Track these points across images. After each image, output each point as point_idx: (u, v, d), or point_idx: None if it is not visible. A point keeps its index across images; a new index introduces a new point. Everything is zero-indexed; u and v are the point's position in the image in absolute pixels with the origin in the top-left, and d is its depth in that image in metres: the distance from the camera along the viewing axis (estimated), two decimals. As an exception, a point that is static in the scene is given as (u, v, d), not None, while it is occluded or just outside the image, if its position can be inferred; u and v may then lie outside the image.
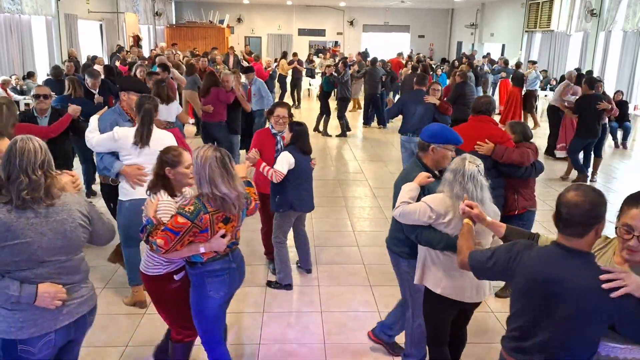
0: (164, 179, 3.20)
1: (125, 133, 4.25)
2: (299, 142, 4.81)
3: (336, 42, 28.98)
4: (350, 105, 16.19)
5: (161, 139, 4.29)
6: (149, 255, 3.23)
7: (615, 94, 12.51)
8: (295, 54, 18.86)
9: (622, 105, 12.23)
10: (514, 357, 2.43)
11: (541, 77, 15.40)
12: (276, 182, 4.69)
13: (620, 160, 11.20)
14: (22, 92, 11.92)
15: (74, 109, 5.55)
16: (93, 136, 4.40)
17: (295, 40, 29.29)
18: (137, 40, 20.01)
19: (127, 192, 4.32)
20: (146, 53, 18.74)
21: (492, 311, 4.80)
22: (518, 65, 14.57)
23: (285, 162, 4.70)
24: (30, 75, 12.75)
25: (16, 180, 2.43)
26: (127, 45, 19.37)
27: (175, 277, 3.27)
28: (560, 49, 18.54)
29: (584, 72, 12.95)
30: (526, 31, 20.94)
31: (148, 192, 3.20)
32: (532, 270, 2.30)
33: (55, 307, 2.58)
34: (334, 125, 13.08)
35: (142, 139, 4.21)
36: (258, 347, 4.16)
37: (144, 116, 4.20)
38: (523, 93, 14.12)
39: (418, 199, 3.31)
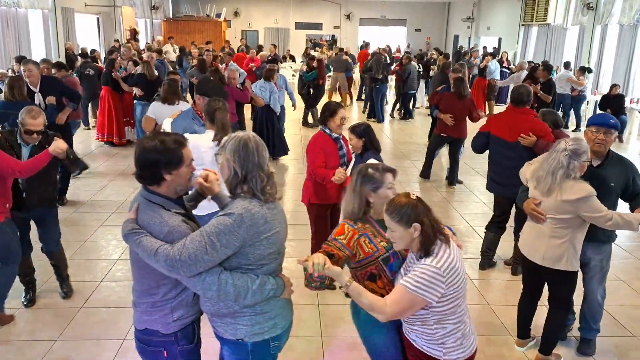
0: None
1: (195, 141, 3.88)
2: (374, 142, 4.45)
3: (333, 36, 28.95)
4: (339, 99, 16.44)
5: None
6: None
7: (612, 87, 12.56)
8: (273, 46, 18.40)
9: (619, 98, 12.29)
10: None
11: (499, 67, 15.93)
12: None
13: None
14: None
15: (55, 148, 4.04)
16: None
17: (292, 34, 29.21)
18: (134, 34, 19.94)
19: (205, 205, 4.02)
20: (143, 47, 18.68)
21: (489, 304, 4.85)
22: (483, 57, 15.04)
23: None
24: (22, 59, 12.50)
25: (254, 177, 2.45)
26: (124, 39, 19.29)
27: None
28: (557, 43, 18.55)
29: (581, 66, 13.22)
30: (523, 25, 20.94)
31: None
32: None
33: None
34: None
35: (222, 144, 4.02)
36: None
37: (219, 120, 4.03)
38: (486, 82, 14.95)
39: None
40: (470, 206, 7.48)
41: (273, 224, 2.48)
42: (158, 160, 2.41)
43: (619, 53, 15.15)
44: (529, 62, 16.32)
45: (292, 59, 22.20)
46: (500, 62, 17.20)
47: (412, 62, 14.45)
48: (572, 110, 13.70)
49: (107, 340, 4.17)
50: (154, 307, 2.56)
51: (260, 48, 17.22)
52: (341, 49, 17.65)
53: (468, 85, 8.31)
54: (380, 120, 13.91)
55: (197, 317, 2.68)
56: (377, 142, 4.48)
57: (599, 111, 12.92)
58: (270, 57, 12.43)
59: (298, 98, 12.64)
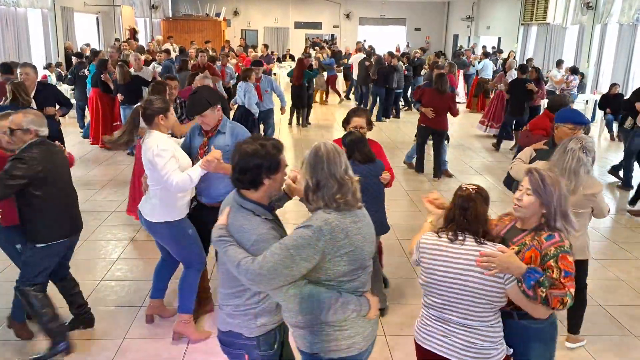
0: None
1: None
2: (354, 153, 4.20)
3: (332, 35, 28.94)
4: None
5: (148, 148, 3.71)
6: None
7: (611, 87, 12.54)
8: (265, 46, 18.14)
9: (618, 98, 12.28)
10: None
11: (489, 66, 16.08)
12: None
13: (616, 152, 11.25)
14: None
15: None
16: None
17: (291, 33, 29.21)
18: (133, 33, 19.94)
19: (158, 212, 3.99)
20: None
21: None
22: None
23: None
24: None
25: (325, 185, 2.36)
26: (124, 39, 19.27)
27: None
28: (556, 42, 18.54)
29: (579, 65, 13.27)
30: (522, 24, 20.94)
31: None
32: None
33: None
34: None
35: (124, 143, 3.86)
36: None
37: (129, 118, 3.85)
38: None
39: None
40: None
41: (355, 239, 2.37)
42: (261, 165, 2.41)
43: (619, 52, 15.14)
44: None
45: (292, 58, 22.21)
46: (505, 62, 17.18)
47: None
48: None
49: (107, 340, 4.17)
50: (236, 310, 2.56)
51: (254, 48, 17.26)
52: (321, 47, 17.81)
53: (448, 81, 8.62)
54: (379, 119, 13.97)
55: (280, 324, 2.64)
56: (364, 153, 4.24)
57: (599, 111, 12.94)
58: (259, 58, 12.31)
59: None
